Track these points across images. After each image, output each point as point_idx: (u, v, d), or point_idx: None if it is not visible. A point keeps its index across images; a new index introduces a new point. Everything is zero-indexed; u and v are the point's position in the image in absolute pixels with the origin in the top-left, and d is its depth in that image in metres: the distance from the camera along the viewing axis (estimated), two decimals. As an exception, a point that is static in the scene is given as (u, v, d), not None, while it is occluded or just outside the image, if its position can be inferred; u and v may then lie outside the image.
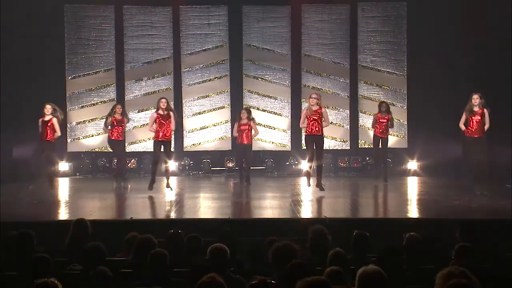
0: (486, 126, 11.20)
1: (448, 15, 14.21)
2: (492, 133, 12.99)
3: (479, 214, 9.58)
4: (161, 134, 11.56)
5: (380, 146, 13.42)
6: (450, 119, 12.05)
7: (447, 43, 14.38)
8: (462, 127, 11.30)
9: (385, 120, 13.17)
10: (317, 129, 11.04)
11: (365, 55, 15.80)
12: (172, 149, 12.98)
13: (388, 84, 15.77)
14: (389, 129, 13.31)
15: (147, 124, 14.78)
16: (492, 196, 10.94)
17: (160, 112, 11.63)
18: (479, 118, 11.17)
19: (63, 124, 15.39)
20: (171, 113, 11.71)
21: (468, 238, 6.28)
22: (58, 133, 11.94)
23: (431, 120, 14.61)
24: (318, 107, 11.09)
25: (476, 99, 11.19)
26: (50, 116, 11.82)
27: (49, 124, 11.79)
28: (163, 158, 11.88)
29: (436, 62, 14.66)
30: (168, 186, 11.75)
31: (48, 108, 11.82)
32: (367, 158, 15.05)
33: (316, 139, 11.10)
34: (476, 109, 11.17)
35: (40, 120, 11.83)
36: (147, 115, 15.45)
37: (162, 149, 11.73)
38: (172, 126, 11.70)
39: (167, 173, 11.94)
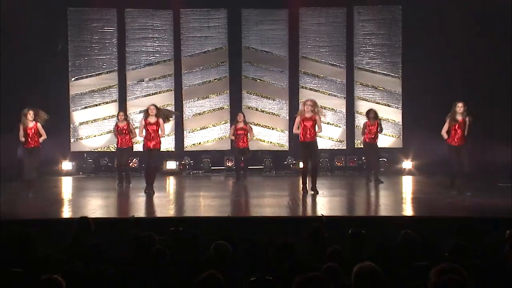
0: (465, 133, 11.24)
1: (442, 18, 14.21)
2: (486, 134, 13.05)
3: (472, 212, 9.58)
4: (148, 142, 11.37)
5: (371, 152, 13.53)
6: (444, 120, 12.04)
7: (441, 45, 14.38)
8: (445, 135, 11.31)
9: (374, 127, 13.28)
10: (310, 135, 11.02)
11: (361, 57, 15.82)
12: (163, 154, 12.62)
13: (383, 85, 15.79)
14: (379, 134, 13.42)
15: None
16: (468, 194, 10.98)
17: (149, 119, 11.41)
18: (462, 126, 11.20)
19: (67, 125, 15.51)
20: (160, 120, 11.46)
21: (461, 236, 6.29)
22: (45, 136, 11.55)
23: (425, 121, 14.61)
24: (312, 114, 11.05)
25: (461, 107, 11.22)
26: (34, 122, 11.42)
27: (34, 130, 11.40)
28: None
29: (430, 64, 14.67)
30: (146, 190, 11.40)
31: (31, 114, 11.39)
32: (363, 158, 15.05)
33: (310, 145, 11.09)
34: (459, 117, 11.18)
35: (21, 126, 11.34)
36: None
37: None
38: (162, 132, 11.49)
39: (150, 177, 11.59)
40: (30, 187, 11.40)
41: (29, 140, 11.40)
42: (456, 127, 11.21)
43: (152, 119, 11.39)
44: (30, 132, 11.41)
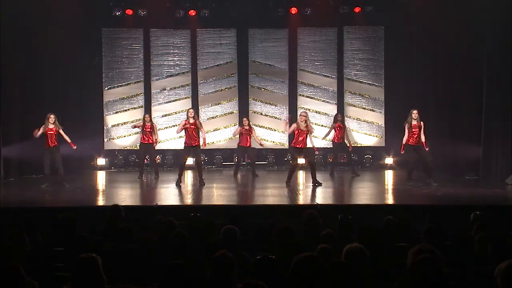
0: (424, 138, 11.23)
1: (417, 36, 14.20)
2: (455, 134, 13.02)
3: (443, 201, 9.56)
4: (190, 140, 11.35)
5: (342, 151, 13.74)
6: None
7: (416, 59, 14.37)
8: (404, 141, 11.38)
9: (342, 129, 13.40)
10: (304, 143, 10.98)
11: (349, 70, 15.80)
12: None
13: (369, 93, 15.77)
14: (345, 135, 13.54)
15: (171, 126, 14.88)
16: (435, 185, 11.00)
17: (190, 120, 11.31)
18: (418, 130, 11.25)
19: (101, 127, 15.56)
20: (197, 122, 11.44)
21: (434, 221, 6.28)
22: (68, 139, 11.43)
23: (404, 123, 14.61)
24: (305, 124, 11.01)
25: (415, 114, 11.31)
26: (54, 125, 11.28)
27: (53, 132, 11.25)
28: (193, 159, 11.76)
29: (407, 75, 14.67)
30: (200, 183, 11.39)
31: (52, 118, 11.26)
32: (344, 155, 15.03)
33: (303, 150, 11.08)
34: (415, 122, 11.27)
35: (42, 128, 11.21)
36: (170, 119, 15.53)
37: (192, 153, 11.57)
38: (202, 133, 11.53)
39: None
40: (63, 179, 11.41)
41: (49, 141, 11.25)
42: (414, 131, 11.26)
43: (191, 120, 11.36)
44: (49, 133, 11.25)
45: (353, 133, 15.02)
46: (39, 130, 11.24)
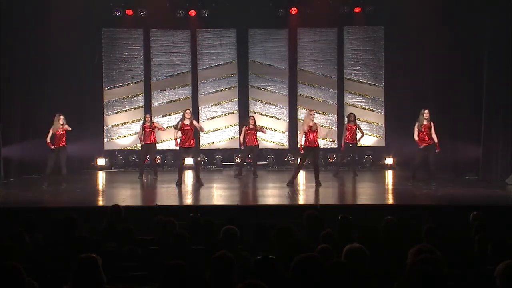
0: (436, 138, 11.36)
1: (417, 36, 14.21)
2: (455, 134, 13.03)
3: (443, 201, 9.57)
4: (185, 141, 11.35)
5: (352, 151, 13.53)
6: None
7: (416, 59, 14.37)
8: (416, 138, 11.45)
9: (354, 128, 13.27)
10: (316, 142, 10.95)
11: (349, 70, 15.79)
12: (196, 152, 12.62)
13: (369, 93, 15.76)
14: (357, 135, 13.39)
15: (170, 126, 14.83)
16: (433, 185, 11.06)
17: (186, 122, 11.31)
18: (428, 130, 11.35)
19: (101, 127, 15.55)
20: (194, 122, 11.48)
21: (434, 221, 6.28)
22: (69, 128, 11.54)
23: (404, 123, 14.59)
24: (314, 123, 11.01)
25: (427, 113, 11.41)
26: (63, 125, 11.41)
27: (62, 132, 11.41)
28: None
29: (407, 75, 14.67)
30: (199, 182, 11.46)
31: (62, 119, 11.42)
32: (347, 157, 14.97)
33: (315, 149, 11.03)
34: (425, 122, 11.37)
35: (52, 130, 11.39)
36: (170, 120, 15.51)
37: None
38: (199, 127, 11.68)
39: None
40: (63, 180, 11.44)
41: (59, 141, 11.38)
42: (424, 130, 11.31)
43: (187, 121, 11.36)
44: (59, 134, 11.38)
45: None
46: (48, 135, 11.38)
